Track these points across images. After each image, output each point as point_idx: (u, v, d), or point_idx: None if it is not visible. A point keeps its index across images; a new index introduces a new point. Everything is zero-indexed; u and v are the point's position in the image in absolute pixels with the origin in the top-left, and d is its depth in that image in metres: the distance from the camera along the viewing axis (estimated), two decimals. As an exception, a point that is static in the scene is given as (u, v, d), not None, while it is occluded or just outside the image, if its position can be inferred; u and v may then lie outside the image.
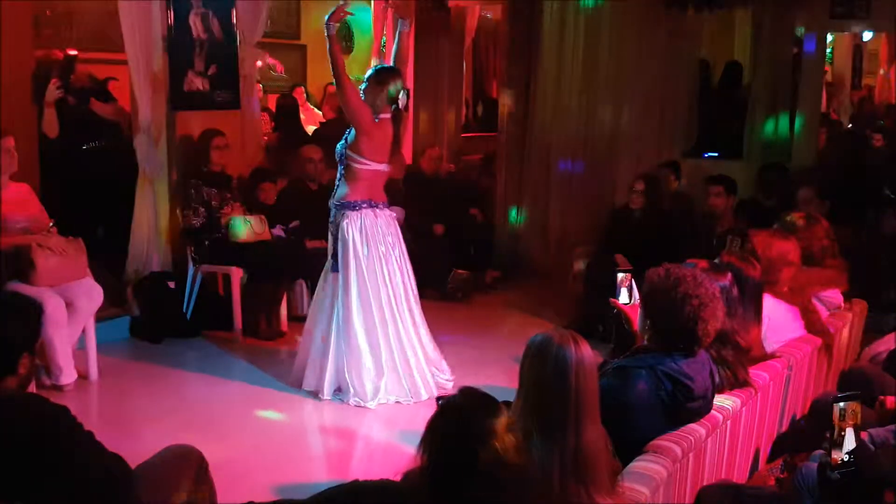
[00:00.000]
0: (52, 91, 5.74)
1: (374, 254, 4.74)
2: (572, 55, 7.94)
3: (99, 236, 6.48)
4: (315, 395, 4.85)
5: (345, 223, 4.74)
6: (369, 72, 4.91)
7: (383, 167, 4.83)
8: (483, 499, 2.00)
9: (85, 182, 6.31)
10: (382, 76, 4.78)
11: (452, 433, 2.06)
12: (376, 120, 4.77)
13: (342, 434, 4.51)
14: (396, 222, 4.97)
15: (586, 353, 2.39)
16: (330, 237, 4.88)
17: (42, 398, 2.50)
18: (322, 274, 4.99)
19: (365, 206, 4.77)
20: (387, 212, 4.89)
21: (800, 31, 7.50)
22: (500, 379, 4.76)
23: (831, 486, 2.75)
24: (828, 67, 10.21)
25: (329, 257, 4.89)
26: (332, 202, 4.86)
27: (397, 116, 4.80)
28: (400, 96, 4.74)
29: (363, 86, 4.84)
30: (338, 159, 4.87)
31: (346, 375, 4.75)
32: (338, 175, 4.89)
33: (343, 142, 4.83)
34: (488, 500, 2.00)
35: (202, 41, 6.23)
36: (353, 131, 4.77)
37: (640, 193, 6.26)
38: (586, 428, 2.36)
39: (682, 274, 2.85)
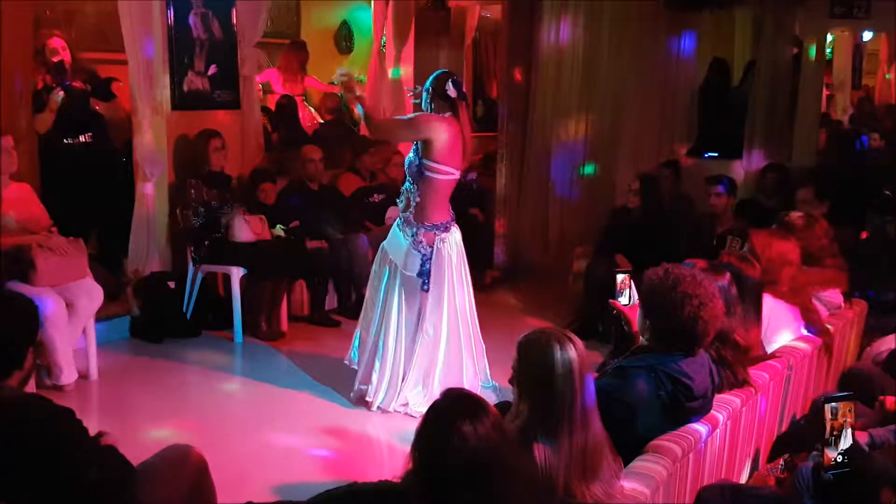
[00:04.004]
0: (55, 98, 5.74)
1: (460, 268, 4.68)
2: (572, 55, 7.95)
3: (96, 236, 6.47)
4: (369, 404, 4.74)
5: (439, 245, 4.59)
6: (427, 83, 4.67)
7: (457, 175, 4.63)
8: (471, 499, 2.01)
9: (81, 185, 6.31)
10: (433, 81, 4.61)
11: (436, 435, 2.07)
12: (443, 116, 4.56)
13: (342, 434, 4.51)
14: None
15: (582, 351, 2.41)
16: (413, 256, 4.60)
17: (45, 399, 2.51)
18: (386, 286, 4.72)
19: (452, 224, 4.66)
20: (455, 224, 4.76)
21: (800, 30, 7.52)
22: (500, 379, 4.75)
23: (826, 487, 2.75)
24: (827, 67, 10.20)
25: (414, 274, 4.61)
26: (415, 223, 4.59)
27: (456, 110, 4.56)
28: (448, 87, 4.52)
29: (423, 102, 4.62)
30: (409, 173, 4.62)
31: (422, 389, 4.68)
32: (410, 190, 4.61)
33: (414, 151, 4.58)
34: (477, 500, 2.01)
35: (202, 41, 6.23)
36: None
37: (636, 193, 6.26)
38: (591, 425, 2.37)
39: (682, 274, 2.85)
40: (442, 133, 4.48)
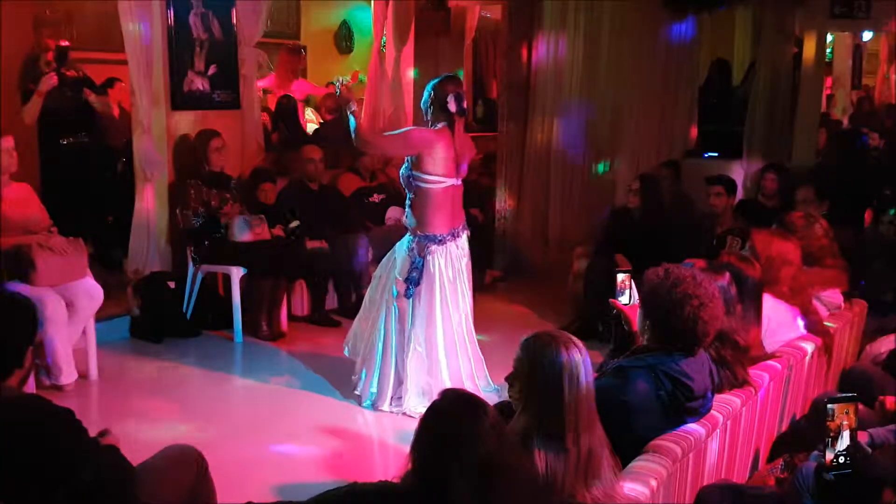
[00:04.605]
0: (47, 81, 5.73)
1: (455, 284, 4.64)
2: (572, 55, 7.95)
3: (96, 236, 6.49)
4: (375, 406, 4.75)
5: (430, 258, 4.56)
6: (431, 84, 4.66)
7: (454, 181, 4.60)
8: (471, 500, 2.00)
9: (80, 185, 6.33)
10: (436, 87, 4.58)
11: (435, 435, 2.07)
12: (436, 127, 4.58)
13: (342, 434, 4.51)
14: (468, 243, 4.77)
15: (585, 356, 2.40)
16: (406, 261, 4.62)
17: (45, 400, 2.51)
18: (379, 292, 4.78)
19: (449, 238, 4.60)
20: (466, 233, 4.72)
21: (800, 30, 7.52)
22: (500, 379, 4.75)
23: (827, 487, 2.75)
24: (827, 67, 10.21)
25: (402, 280, 4.62)
26: (411, 233, 4.63)
27: (452, 124, 4.56)
28: (448, 100, 4.52)
29: (423, 102, 4.63)
30: (404, 184, 4.66)
31: (421, 394, 4.67)
32: (407, 202, 4.67)
33: (406, 163, 4.60)
34: (476, 500, 2.01)
35: (202, 41, 6.23)
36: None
37: (635, 193, 6.26)
38: (591, 430, 2.37)
39: (682, 274, 2.85)
40: (432, 147, 4.50)
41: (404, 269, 4.64)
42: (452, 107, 4.53)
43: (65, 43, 5.90)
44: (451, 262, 4.63)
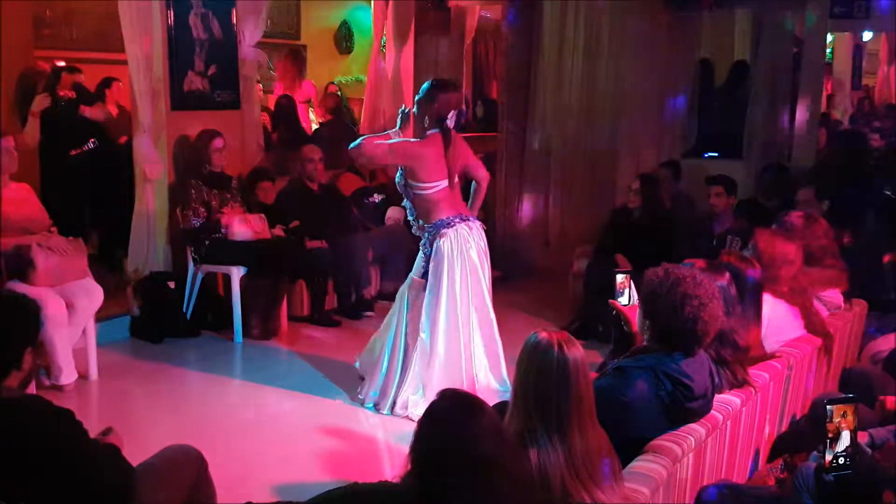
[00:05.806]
0: (40, 102, 5.73)
1: (465, 269, 4.59)
2: (572, 55, 7.95)
3: (96, 236, 6.50)
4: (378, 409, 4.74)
5: (440, 241, 4.55)
6: (425, 85, 4.66)
7: (448, 183, 4.59)
8: (469, 500, 2.00)
9: (80, 186, 6.34)
10: (430, 92, 4.55)
11: (432, 435, 2.07)
12: (424, 136, 4.59)
13: (342, 434, 4.51)
14: (485, 236, 4.75)
15: (582, 355, 2.40)
16: (421, 257, 4.68)
17: (45, 400, 2.51)
18: (404, 292, 4.79)
19: (458, 220, 4.59)
20: (478, 223, 4.71)
21: (800, 30, 7.53)
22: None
23: (827, 488, 2.75)
24: (827, 67, 10.22)
25: (418, 276, 4.66)
26: (419, 229, 4.67)
27: (446, 136, 4.54)
28: (449, 117, 4.51)
29: (418, 96, 4.64)
30: (401, 192, 4.70)
31: (420, 389, 4.64)
32: (408, 209, 4.72)
33: (399, 172, 4.64)
34: (475, 500, 2.01)
35: (202, 41, 6.23)
36: None
37: (636, 193, 6.25)
38: (588, 429, 2.37)
39: (682, 274, 2.85)
40: (421, 159, 4.52)
41: (418, 265, 4.69)
42: (451, 123, 4.55)
43: (60, 63, 5.90)
44: (462, 248, 4.58)
